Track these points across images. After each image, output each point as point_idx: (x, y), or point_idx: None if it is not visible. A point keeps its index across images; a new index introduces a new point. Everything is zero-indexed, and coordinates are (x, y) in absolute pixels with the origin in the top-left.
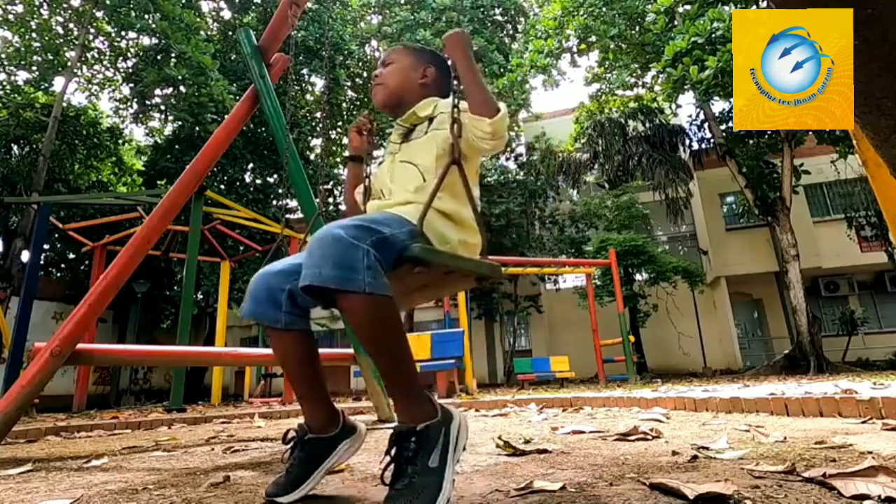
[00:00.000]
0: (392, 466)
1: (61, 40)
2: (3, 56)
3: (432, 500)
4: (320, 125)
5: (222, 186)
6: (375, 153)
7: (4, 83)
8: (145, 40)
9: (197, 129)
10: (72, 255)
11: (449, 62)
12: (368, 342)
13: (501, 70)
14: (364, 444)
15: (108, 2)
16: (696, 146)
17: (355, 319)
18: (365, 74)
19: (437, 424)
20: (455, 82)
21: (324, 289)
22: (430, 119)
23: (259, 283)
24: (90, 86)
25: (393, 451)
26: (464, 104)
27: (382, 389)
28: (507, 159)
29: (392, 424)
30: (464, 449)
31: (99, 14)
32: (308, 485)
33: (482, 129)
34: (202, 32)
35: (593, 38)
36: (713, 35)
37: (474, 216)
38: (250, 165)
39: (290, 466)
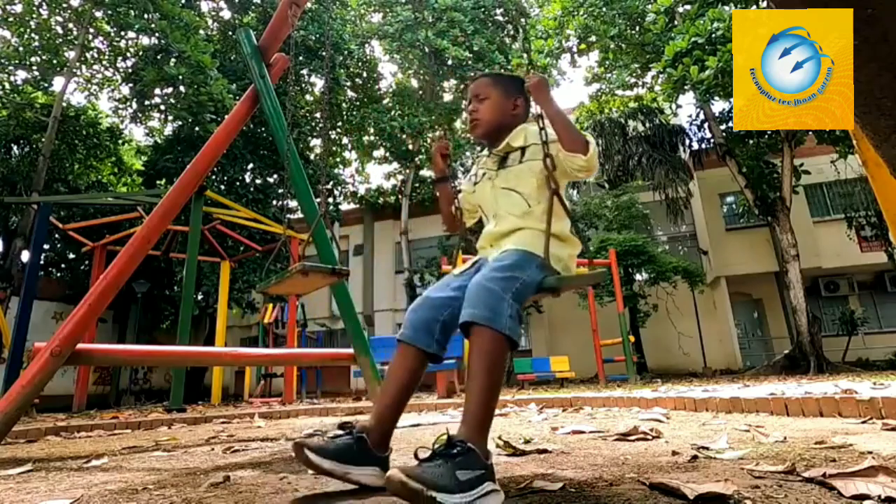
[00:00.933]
0: (429, 456)
1: (60, 40)
2: (2, 56)
3: (449, 490)
4: (320, 125)
5: (222, 186)
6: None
7: (4, 83)
8: (144, 40)
9: (197, 128)
10: (72, 255)
11: (532, 103)
12: (482, 369)
13: (502, 70)
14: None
15: (107, 1)
16: (696, 146)
17: (484, 349)
18: (365, 74)
19: (481, 465)
20: (541, 121)
21: (473, 324)
22: (523, 148)
23: (419, 314)
24: (89, 85)
25: (437, 447)
26: (550, 133)
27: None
28: None
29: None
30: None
31: (98, 14)
32: (333, 464)
33: (578, 164)
34: (202, 32)
35: (593, 38)
36: (713, 35)
37: (574, 228)
38: (250, 165)
39: (334, 440)
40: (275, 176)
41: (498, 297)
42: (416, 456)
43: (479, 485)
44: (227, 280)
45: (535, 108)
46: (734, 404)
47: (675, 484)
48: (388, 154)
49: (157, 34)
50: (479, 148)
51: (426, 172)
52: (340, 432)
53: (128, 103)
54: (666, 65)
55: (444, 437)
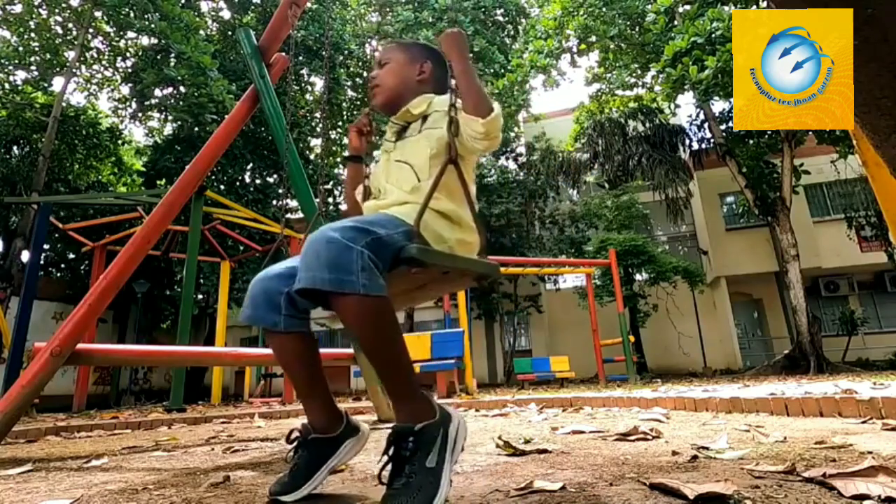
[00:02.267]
0: (390, 466)
1: (60, 40)
2: (2, 56)
3: (429, 499)
4: (320, 125)
5: (222, 186)
6: (375, 153)
7: (4, 83)
8: (144, 40)
9: (197, 129)
10: (72, 255)
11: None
12: (365, 342)
13: (502, 70)
14: (365, 446)
15: (107, 2)
16: (696, 146)
17: (351, 320)
18: (365, 74)
19: (435, 425)
20: (452, 81)
21: (320, 291)
22: (425, 117)
23: (257, 287)
24: (89, 85)
25: (391, 451)
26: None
27: (382, 389)
28: (507, 159)
29: (392, 424)
30: (462, 449)
31: (98, 14)
32: (311, 484)
33: (475, 129)
34: (202, 32)
35: (593, 39)
36: (713, 35)
37: (472, 215)
38: (250, 165)
39: (294, 466)
40: (275, 176)
41: (341, 247)
42: (379, 479)
43: (445, 448)
44: (227, 280)
45: (454, 83)
46: (734, 404)
47: (675, 484)
48: None
49: (156, 34)
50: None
51: None
52: (292, 454)
53: (127, 103)
54: (665, 65)
55: (391, 435)
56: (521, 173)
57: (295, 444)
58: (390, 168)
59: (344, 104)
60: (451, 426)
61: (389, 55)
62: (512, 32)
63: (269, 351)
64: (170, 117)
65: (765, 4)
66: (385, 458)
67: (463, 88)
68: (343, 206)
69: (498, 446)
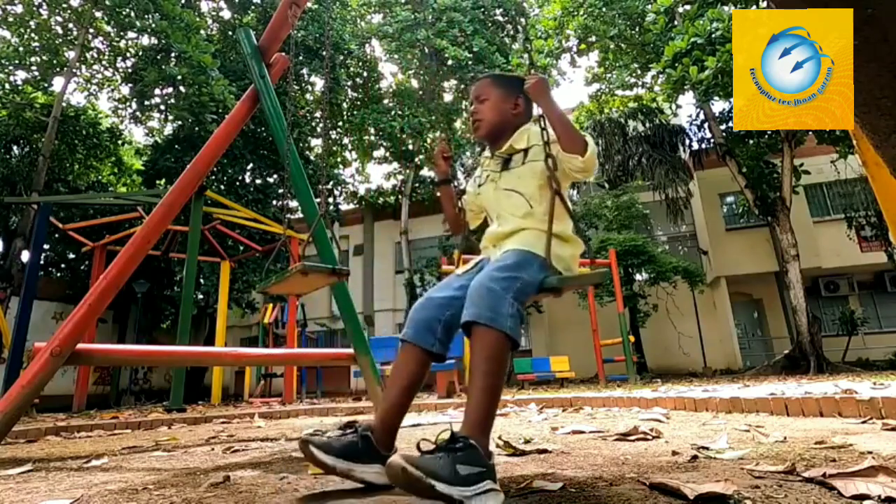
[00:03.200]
0: (432, 449)
1: (60, 40)
2: (2, 56)
3: (448, 481)
4: (320, 125)
5: (222, 186)
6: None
7: (4, 83)
8: (144, 40)
9: (197, 128)
10: (72, 255)
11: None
12: (483, 370)
13: (502, 70)
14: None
15: (107, 2)
16: (696, 146)
17: (486, 348)
18: (365, 74)
19: (482, 463)
20: (542, 122)
21: (475, 323)
22: (525, 150)
23: (421, 314)
24: (89, 86)
25: (440, 441)
26: (552, 133)
27: (382, 389)
28: None
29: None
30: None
31: (98, 14)
32: (338, 462)
33: (576, 164)
34: (202, 32)
35: (593, 38)
36: (713, 35)
37: (576, 230)
38: (250, 165)
39: (340, 436)
40: (275, 176)
41: (499, 296)
42: (418, 447)
43: (479, 481)
44: (227, 280)
45: (537, 110)
46: (734, 404)
47: (675, 484)
48: (388, 154)
49: (157, 34)
50: (478, 148)
51: (426, 172)
52: (345, 431)
53: (128, 103)
54: (665, 65)
55: (448, 432)
56: None
57: (351, 428)
58: (500, 196)
59: (344, 104)
60: (490, 483)
61: (486, 91)
62: (512, 32)
63: (269, 351)
64: (170, 117)
65: (765, 4)
66: (432, 446)
67: (559, 131)
68: (343, 207)
69: (498, 446)
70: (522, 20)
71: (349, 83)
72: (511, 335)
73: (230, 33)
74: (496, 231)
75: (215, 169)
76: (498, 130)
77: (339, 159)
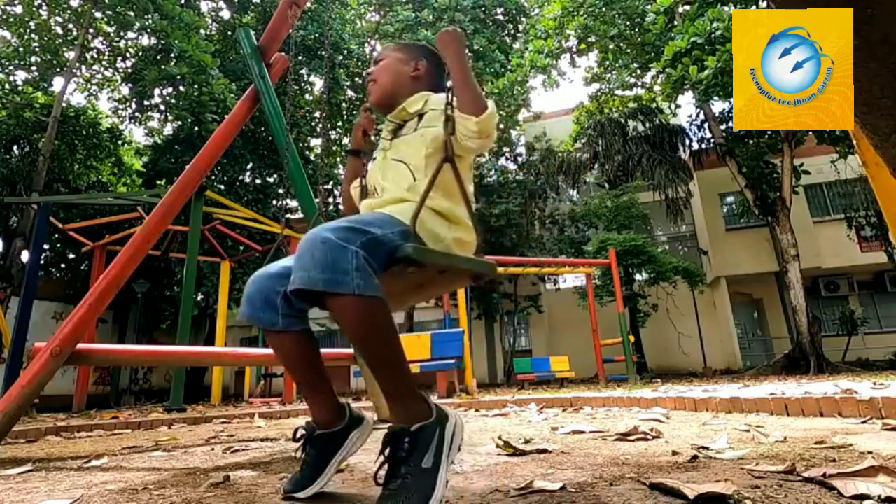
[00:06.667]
0: (386, 467)
1: (60, 40)
2: (2, 56)
3: (425, 500)
4: (320, 125)
5: (222, 186)
6: (375, 152)
7: (4, 83)
8: (144, 40)
9: (197, 128)
10: (72, 255)
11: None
12: (360, 343)
13: (502, 70)
14: (365, 444)
15: (107, 2)
16: (696, 146)
17: (345, 321)
18: (364, 74)
19: (431, 425)
20: (449, 81)
21: (315, 291)
22: (420, 115)
23: (254, 286)
24: (89, 86)
25: (387, 452)
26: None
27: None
28: (507, 159)
29: (389, 425)
30: (459, 450)
31: (98, 14)
32: (322, 479)
33: (469, 127)
34: (202, 32)
35: (593, 38)
36: (713, 35)
37: (469, 214)
38: (250, 165)
39: (304, 463)
40: (275, 176)
41: (336, 247)
42: (375, 481)
43: (441, 448)
44: (227, 280)
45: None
46: (734, 404)
47: (675, 484)
48: None
49: (157, 34)
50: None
51: None
52: (301, 451)
53: (128, 103)
54: (665, 65)
55: (387, 436)
56: (521, 173)
57: (301, 442)
58: (386, 166)
59: (343, 104)
60: (448, 426)
61: (385, 53)
62: (512, 32)
63: (269, 351)
64: (170, 117)
65: (765, 4)
66: (381, 458)
67: (457, 86)
68: (342, 207)
69: (498, 446)
70: (523, 19)
71: (349, 83)
72: (362, 294)
73: (230, 33)
74: (370, 202)
75: (215, 169)
76: (392, 94)
77: (338, 159)
